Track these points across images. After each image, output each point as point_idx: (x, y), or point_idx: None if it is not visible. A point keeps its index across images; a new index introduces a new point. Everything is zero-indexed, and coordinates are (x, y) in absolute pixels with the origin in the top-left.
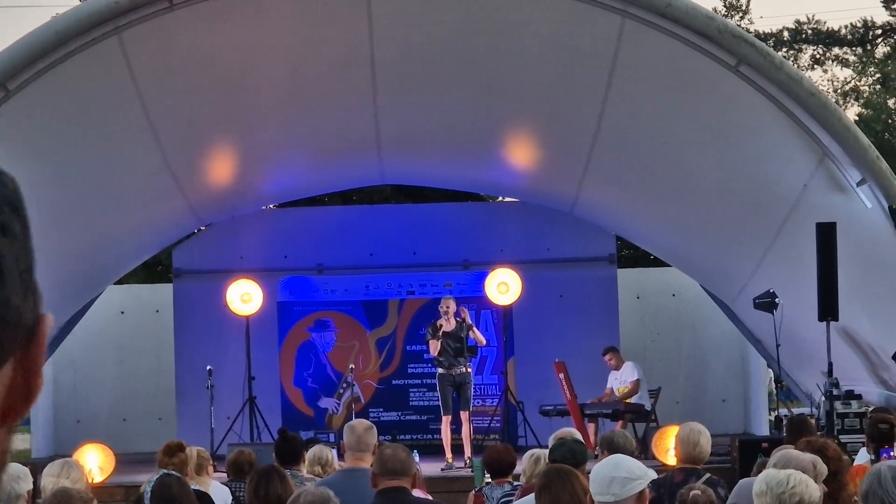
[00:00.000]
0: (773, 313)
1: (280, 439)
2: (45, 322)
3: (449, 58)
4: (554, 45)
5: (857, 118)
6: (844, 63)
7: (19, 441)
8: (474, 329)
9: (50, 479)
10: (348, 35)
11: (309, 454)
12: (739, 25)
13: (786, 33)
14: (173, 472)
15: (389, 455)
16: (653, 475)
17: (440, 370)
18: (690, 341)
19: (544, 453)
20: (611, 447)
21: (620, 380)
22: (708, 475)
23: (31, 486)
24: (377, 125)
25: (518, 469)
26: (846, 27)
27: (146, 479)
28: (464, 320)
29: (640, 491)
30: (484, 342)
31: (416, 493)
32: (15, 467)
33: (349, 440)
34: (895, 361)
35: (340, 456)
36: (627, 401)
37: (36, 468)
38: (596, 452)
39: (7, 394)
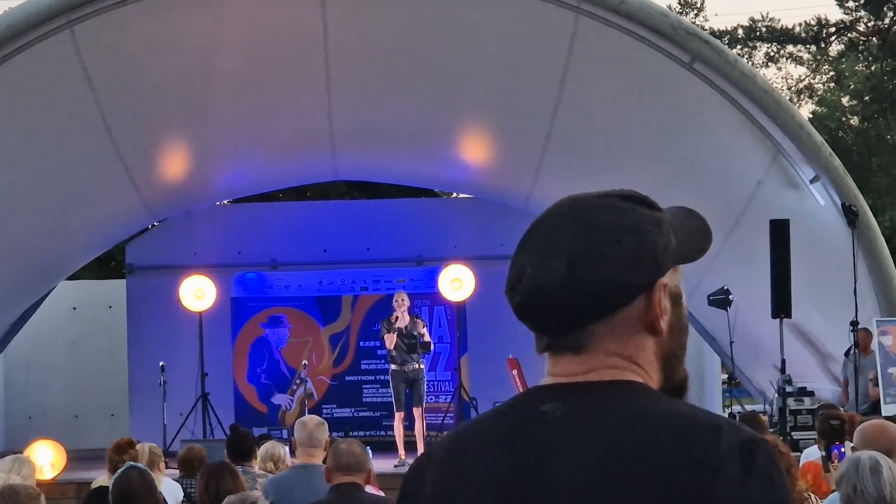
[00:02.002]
0: (726, 310)
1: (232, 435)
2: None
3: (403, 54)
4: (508, 42)
5: (811, 116)
6: (798, 61)
7: None
8: (426, 333)
9: (0, 475)
10: (302, 30)
11: (261, 450)
12: (694, 23)
13: (740, 31)
14: (138, 465)
15: (344, 450)
16: None
17: (393, 366)
18: None
19: None
20: None
21: None
22: None
23: None
24: (331, 121)
25: None
26: (800, 25)
27: (98, 476)
28: (418, 317)
29: None
30: (430, 349)
31: (369, 489)
32: None
33: (300, 436)
34: (847, 357)
35: (293, 452)
36: None
37: None
38: None
39: None
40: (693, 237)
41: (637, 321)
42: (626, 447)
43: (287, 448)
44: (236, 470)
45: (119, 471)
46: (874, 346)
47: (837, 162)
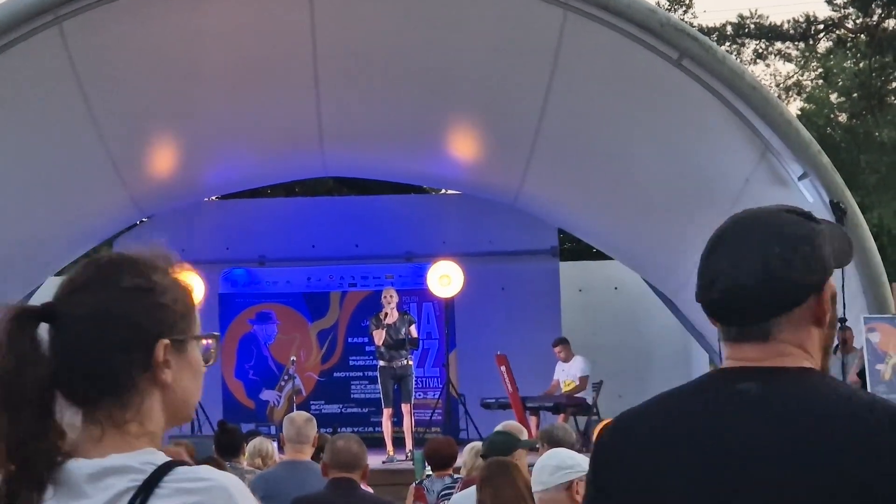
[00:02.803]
0: None
1: (220, 431)
2: None
3: (391, 50)
4: (496, 38)
5: (799, 113)
6: (787, 58)
7: None
8: (414, 329)
9: None
10: (291, 26)
11: (249, 447)
12: (682, 19)
13: (729, 28)
14: None
15: (342, 447)
16: (583, 467)
17: (381, 363)
18: (633, 335)
19: None
20: (551, 440)
21: (568, 373)
22: None
23: None
24: (319, 117)
25: (459, 462)
26: (789, 22)
27: None
28: (406, 313)
29: (569, 481)
30: (418, 346)
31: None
32: None
33: (288, 432)
34: (834, 355)
35: (281, 449)
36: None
37: None
38: (538, 445)
39: None
40: (842, 245)
41: (809, 315)
42: (835, 425)
43: (275, 444)
44: (225, 466)
45: None
46: (860, 342)
47: (826, 159)
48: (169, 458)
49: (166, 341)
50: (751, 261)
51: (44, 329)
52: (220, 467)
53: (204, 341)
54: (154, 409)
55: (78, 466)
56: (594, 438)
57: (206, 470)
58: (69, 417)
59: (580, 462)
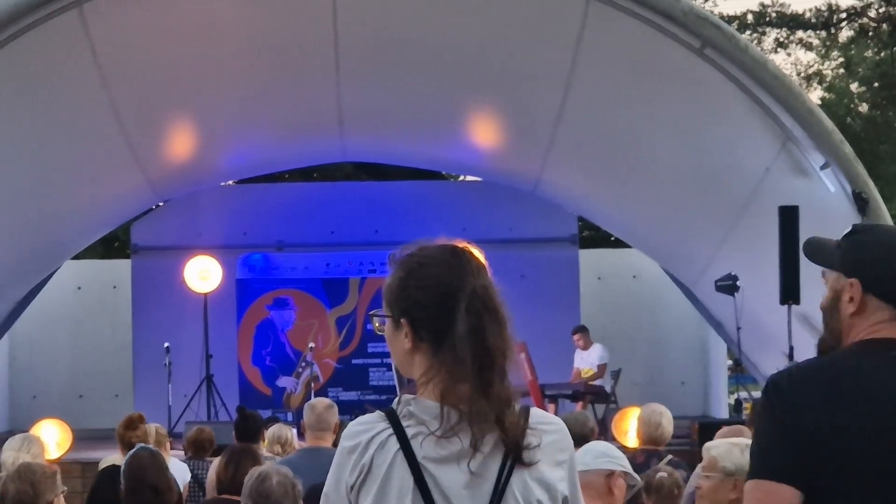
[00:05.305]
0: (734, 296)
1: (239, 417)
2: None
3: (413, 35)
4: (518, 25)
5: (819, 102)
6: (808, 47)
7: None
8: None
9: (10, 454)
10: (311, 9)
11: (268, 433)
12: (704, 8)
13: (750, 16)
14: (148, 446)
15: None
16: (628, 467)
17: None
18: (650, 323)
19: None
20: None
21: (586, 361)
22: (670, 457)
23: None
24: (339, 102)
25: None
26: (810, 10)
27: (105, 456)
28: None
29: (610, 470)
30: None
31: None
32: None
33: (309, 419)
34: None
35: (300, 435)
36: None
37: None
38: None
39: None
40: None
41: None
42: None
43: (294, 431)
44: (259, 455)
45: (129, 453)
46: None
47: (848, 149)
48: None
49: None
50: None
51: None
52: (255, 456)
53: None
54: None
55: None
56: (764, 388)
57: None
58: None
59: (623, 459)
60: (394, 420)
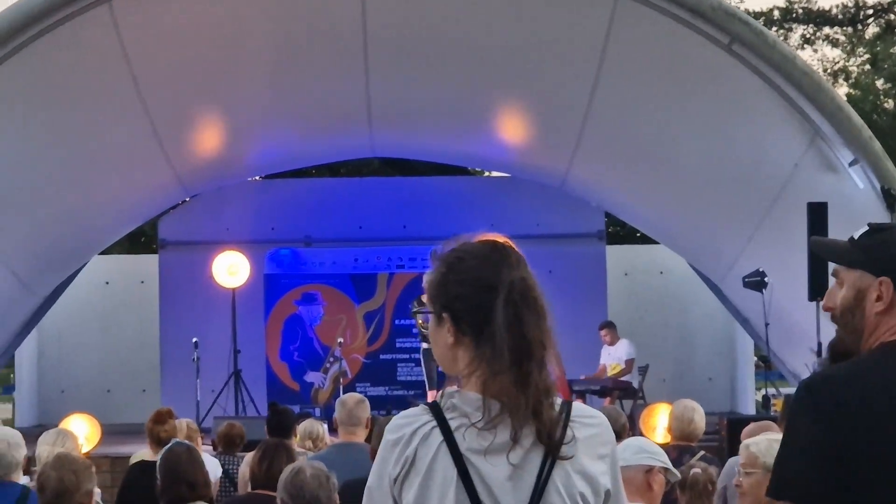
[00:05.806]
0: (762, 292)
1: (272, 412)
2: None
3: (442, 31)
4: (547, 20)
5: (844, 98)
6: (834, 43)
7: (2, 410)
8: None
9: (46, 448)
10: (341, 5)
11: (300, 428)
12: (731, 4)
13: (776, 12)
14: (184, 441)
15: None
16: (667, 463)
17: (425, 345)
18: (678, 319)
19: None
20: None
21: (613, 356)
22: (702, 452)
23: (26, 453)
24: (368, 97)
25: None
26: (837, 7)
27: (135, 451)
28: None
29: (649, 465)
30: None
31: None
32: (8, 432)
33: (340, 414)
34: None
35: (332, 430)
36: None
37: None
38: None
39: None
40: None
41: None
42: None
43: (325, 426)
44: (294, 450)
45: (166, 447)
46: None
47: (877, 145)
48: None
49: None
50: None
51: None
52: (290, 451)
53: None
54: None
55: None
56: (797, 391)
57: None
58: None
59: (662, 455)
60: (437, 413)
